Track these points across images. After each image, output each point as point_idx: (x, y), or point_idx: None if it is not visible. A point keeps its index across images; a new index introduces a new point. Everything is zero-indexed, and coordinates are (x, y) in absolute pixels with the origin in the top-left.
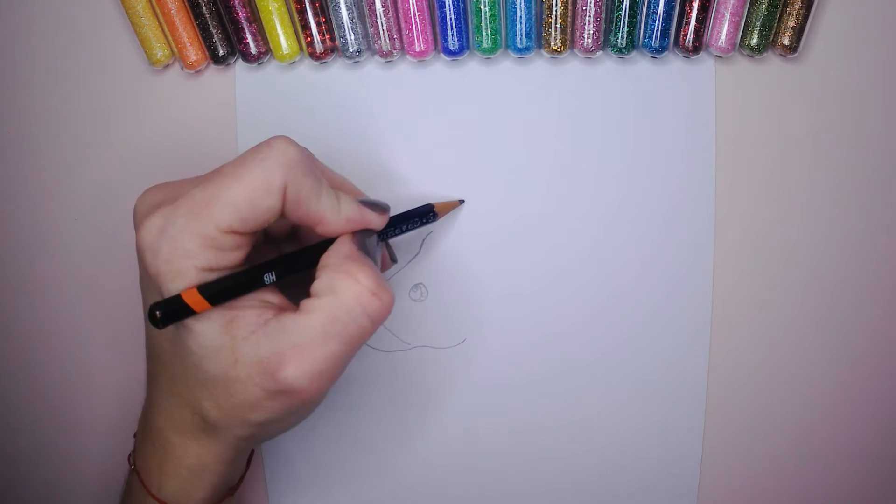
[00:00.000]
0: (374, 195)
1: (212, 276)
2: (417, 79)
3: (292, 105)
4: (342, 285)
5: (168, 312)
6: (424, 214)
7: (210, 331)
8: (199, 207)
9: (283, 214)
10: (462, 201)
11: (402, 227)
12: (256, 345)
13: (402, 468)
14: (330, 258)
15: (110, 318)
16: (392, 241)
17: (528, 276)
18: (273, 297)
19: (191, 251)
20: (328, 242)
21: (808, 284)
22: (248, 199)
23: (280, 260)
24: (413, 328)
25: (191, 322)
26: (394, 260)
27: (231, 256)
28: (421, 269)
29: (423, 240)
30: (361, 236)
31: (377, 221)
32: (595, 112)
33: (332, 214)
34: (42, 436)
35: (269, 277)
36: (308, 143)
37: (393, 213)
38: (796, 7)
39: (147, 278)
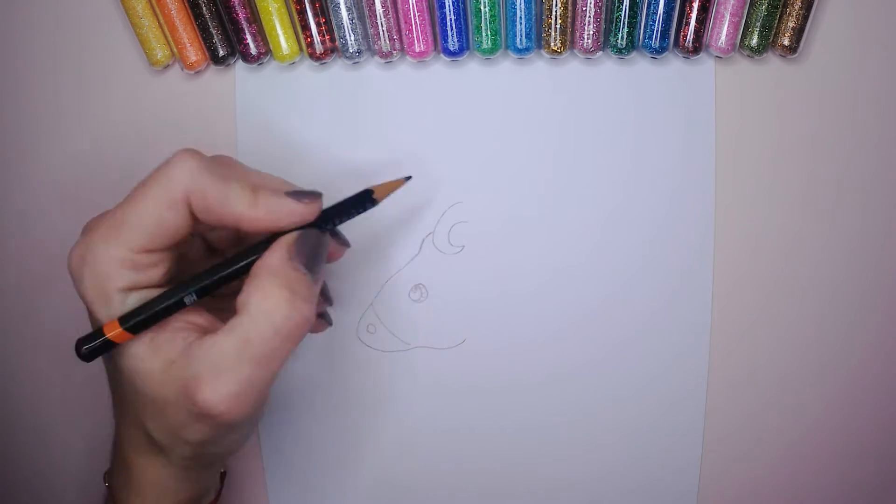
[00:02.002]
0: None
1: (136, 295)
2: (417, 79)
3: (292, 105)
4: (254, 303)
5: (94, 347)
6: (362, 202)
7: (142, 353)
8: (111, 231)
9: (200, 223)
10: (409, 178)
11: (341, 217)
12: (182, 367)
13: (402, 468)
14: (257, 267)
15: None
16: (393, 239)
17: (528, 276)
18: (199, 318)
19: (109, 274)
20: (254, 250)
21: (809, 284)
22: (152, 216)
23: (201, 276)
24: (413, 328)
25: (124, 345)
26: (346, 244)
27: (151, 273)
28: (421, 269)
29: (423, 240)
30: (303, 238)
31: (302, 210)
32: (595, 112)
33: (248, 210)
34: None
35: (191, 298)
36: (308, 144)
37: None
38: (796, 7)
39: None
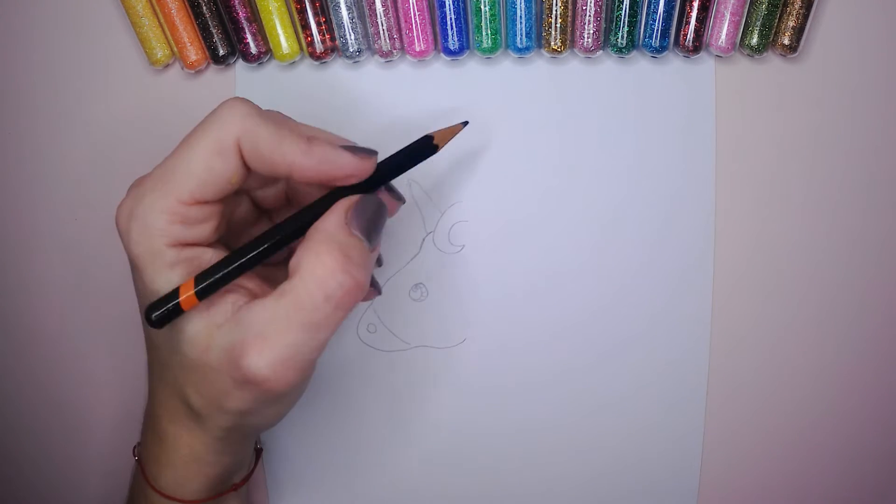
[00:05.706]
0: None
1: (186, 252)
2: (417, 79)
3: (292, 105)
4: (307, 268)
5: (164, 314)
6: (421, 151)
7: (190, 315)
8: (160, 182)
9: (251, 171)
10: (466, 123)
11: (399, 170)
12: (228, 332)
13: (403, 468)
14: (312, 229)
15: (111, 316)
16: (393, 239)
17: (528, 275)
18: (248, 282)
19: (159, 228)
20: (311, 211)
21: (809, 284)
22: (202, 163)
23: (259, 240)
24: (413, 328)
25: None
26: (401, 200)
27: (200, 229)
28: (421, 269)
29: (423, 240)
30: (362, 202)
31: (357, 163)
32: (595, 112)
33: (301, 157)
34: (46, 435)
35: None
36: None
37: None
38: (796, 7)
39: (133, 267)
